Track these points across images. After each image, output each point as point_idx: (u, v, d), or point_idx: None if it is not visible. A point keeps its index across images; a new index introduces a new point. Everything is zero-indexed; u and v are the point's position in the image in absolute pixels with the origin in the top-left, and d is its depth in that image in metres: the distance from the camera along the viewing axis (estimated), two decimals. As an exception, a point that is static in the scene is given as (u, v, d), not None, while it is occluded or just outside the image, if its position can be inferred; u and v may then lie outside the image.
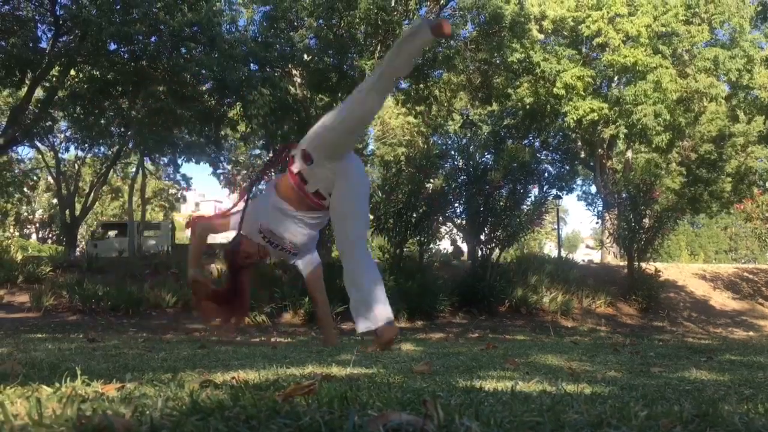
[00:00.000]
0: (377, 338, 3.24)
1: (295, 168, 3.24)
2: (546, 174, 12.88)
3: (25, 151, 24.45)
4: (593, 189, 24.43)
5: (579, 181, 25.81)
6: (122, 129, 15.98)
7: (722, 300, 14.52)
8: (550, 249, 36.24)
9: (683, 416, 1.00)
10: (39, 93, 14.42)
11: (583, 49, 19.63)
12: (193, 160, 18.82)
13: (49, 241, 30.96)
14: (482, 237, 11.49)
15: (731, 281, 15.82)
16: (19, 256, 11.51)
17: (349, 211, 3.26)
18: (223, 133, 15.99)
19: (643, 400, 1.38)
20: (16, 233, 28.96)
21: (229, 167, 18.92)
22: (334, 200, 3.26)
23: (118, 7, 10.91)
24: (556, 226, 29.83)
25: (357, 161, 3.44)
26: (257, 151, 18.38)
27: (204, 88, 13.35)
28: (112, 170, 22.60)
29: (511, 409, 1.09)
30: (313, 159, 3.16)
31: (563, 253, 25.02)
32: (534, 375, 2.06)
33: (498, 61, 17.84)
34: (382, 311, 3.18)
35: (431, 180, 11.67)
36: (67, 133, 19.30)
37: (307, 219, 3.34)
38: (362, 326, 3.23)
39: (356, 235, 3.31)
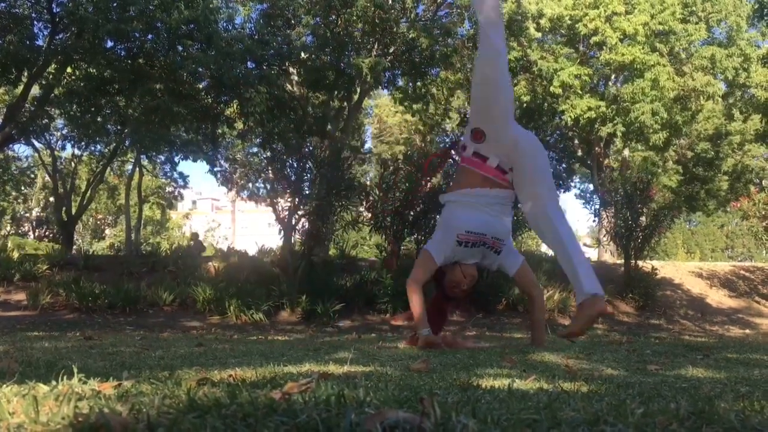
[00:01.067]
0: (585, 309, 3.14)
1: (469, 151, 3.39)
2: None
3: (21, 149, 24.38)
4: (590, 187, 24.48)
5: (576, 180, 25.86)
6: (119, 127, 15.93)
7: (719, 298, 14.55)
8: (547, 247, 36.17)
9: (679, 414, 1.01)
10: (35, 90, 14.36)
11: (581, 48, 19.63)
12: (190, 158, 18.76)
13: (46, 239, 30.84)
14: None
15: (728, 279, 15.85)
16: (15, 254, 11.48)
17: (533, 179, 3.33)
18: (219, 130, 15.95)
19: (640, 398, 1.39)
20: (12, 231, 28.88)
21: (226, 165, 18.87)
22: (517, 173, 3.34)
23: (115, 4, 10.88)
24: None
25: (528, 133, 3.60)
26: (254, 149, 18.33)
27: (201, 86, 13.31)
28: (108, 168, 22.52)
29: (508, 406, 1.09)
30: (485, 133, 3.30)
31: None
32: (531, 373, 2.06)
33: (495, 59, 17.81)
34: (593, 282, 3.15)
35: (429, 178, 11.65)
36: (64, 131, 19.23)
37: (496, 204, 3.38)
38: (591, 287, 3.13)
39: (547, 203, 3.28)
